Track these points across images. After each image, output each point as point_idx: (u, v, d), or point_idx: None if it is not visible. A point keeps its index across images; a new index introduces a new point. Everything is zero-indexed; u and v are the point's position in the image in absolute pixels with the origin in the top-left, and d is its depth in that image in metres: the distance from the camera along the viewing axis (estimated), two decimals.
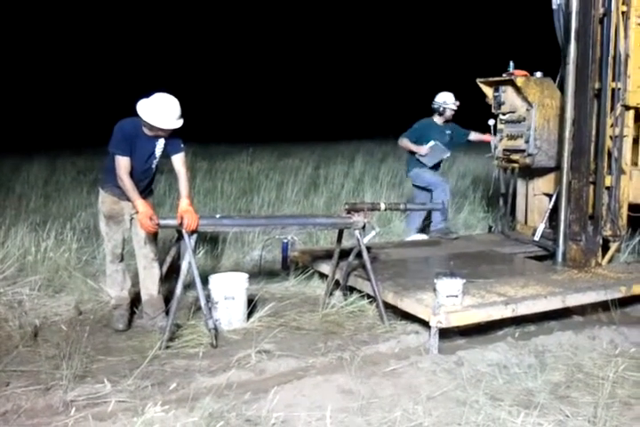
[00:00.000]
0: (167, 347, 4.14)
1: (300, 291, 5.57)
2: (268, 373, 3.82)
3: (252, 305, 4.87)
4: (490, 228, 7.55)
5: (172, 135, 4.45)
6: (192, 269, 4.27)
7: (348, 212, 4.91)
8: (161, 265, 4.76)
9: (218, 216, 4.78)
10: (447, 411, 3.27)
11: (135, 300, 4.84)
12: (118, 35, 27.18)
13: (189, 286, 4.86)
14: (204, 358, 3.99)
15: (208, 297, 4.53)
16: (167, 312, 4.50)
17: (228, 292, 4.66)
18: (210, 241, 6.49)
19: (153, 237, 4.59)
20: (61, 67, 24.71)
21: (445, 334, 4.28)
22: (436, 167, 7.27)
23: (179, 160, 4.51)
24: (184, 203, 4.36)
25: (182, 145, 4.53)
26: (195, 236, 4.34)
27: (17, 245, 5.76)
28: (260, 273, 5.92)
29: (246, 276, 4.87)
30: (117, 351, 4.15)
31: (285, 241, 6.16)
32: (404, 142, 7.17)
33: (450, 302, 4.26)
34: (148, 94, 4.40)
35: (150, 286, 4.64)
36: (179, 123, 4.37)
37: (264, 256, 6.36)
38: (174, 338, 4.28)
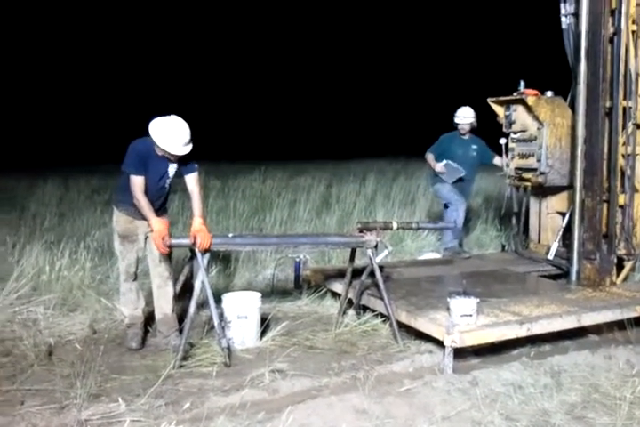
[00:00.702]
0: (181, 366, 4.15)
1: (313, 310, 5.56)
2: (281, 392, 3.82)
3: (265, 324, 4.86)
4: (503, 246, 7.54)
5: (186, 155, 4.49)
6: (205, 288, 4.28)
7: (361, 231, 4.92)
8: (174, 284, 4.78)
9: (230, 235, 4.80)
10: None
11: (149, 318, 4.85)
12: (130, 54, 27.51)
13: (203, 304, 4.87)
14: (217, 377, 3.98)
15: (221, 316, 4.54)
16: (181, 331, 4.52)
17: (241, 311, 4.67)
18: (222, 260, 6.50)
19: (167, 256, 4.61)
20: (74, 87, 25.00)
21: (459, 353, 4.25)
22: (460, 184, 7.23)
23: (192, 180, 4.56)
24: (197, 222, 4.39)
25: (196, 165, 4.59)
26: (208, 255, 4.36)
27: (31, 264, 5.79)
28: (273, 292, 5.93)
29: (259, 295, 4.88)
30: (131, 370, 4.16)
31: (298, 260, 6.17)
32: (428, 157, 7.24)
33: (464, 321, 4.24)
34: (160, 113, 4.46)
35: (164, 305, 4.66)
36: (186, 149, 4.40)
37: (276, 275, 6.36)
38: (188, 357, 4.28)
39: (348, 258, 5.13)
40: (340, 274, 5.48)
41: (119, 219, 4.61)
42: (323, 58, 31.81)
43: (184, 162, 4.53)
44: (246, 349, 4.55)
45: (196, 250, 4.30)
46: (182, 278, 4.81)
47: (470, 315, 4.27)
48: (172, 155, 4.39)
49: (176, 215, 8.54)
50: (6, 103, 22.40)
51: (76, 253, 6.20)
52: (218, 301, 4.57)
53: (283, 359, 4.23)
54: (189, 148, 4.41)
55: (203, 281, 4.27)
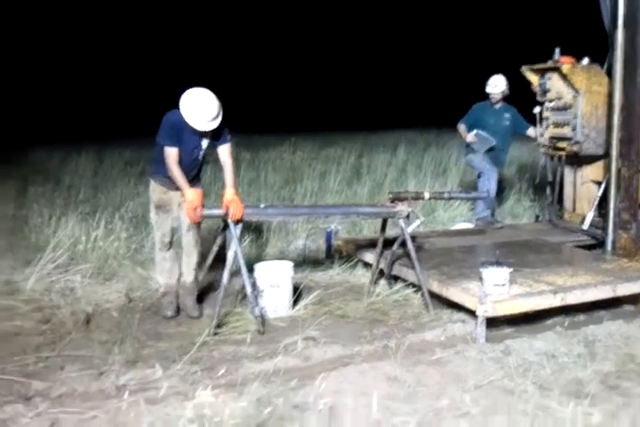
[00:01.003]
0: (215, 333, 4.21)
1: (345, 279, 5.58)
2: (314, 359, 3.86)
3: (297, 293, 4.91)
4: (537, 217, 7.45)
5: (219, 126, 4.48)
6: (238, 258, 4.32)
7: (392, 201, 4.90)
8: (207, 254, 4.85)
9: (262, 206, 4.82)
10: (495, 400, 3.26)
11: None
12: (163, 25, 27.44)
13: (235, 274, 4.92)
14: (250, 344, 4.05)
15: (254, 285, 4.58)
16: (199, 299, 4.77)
17: (274, 280, 4.71)
18: (255, 230, 6.55)
19: (196, 226, 4.68)
20: (108, 59, 25.08)
21: (492, 323, 4.24)
22: (492, 153, 7.12)
23: (225, 151, 4.57)
24: (229, 193, 4.42)
25: (229, 136, 4.59)
26: (240, 225, 4.39)
27: (68, 235, 5.90)
28: (305, 262, 5.96)
29: (291, 264, 4.92)
30: (167, 337, 4.24)
31: (329, 230, 6.19)
32: (460, 127, 7.16)
33: (497, 291, 4.22)
34: (192, 85, 4.45)
35: (187, 271, 4.78)
36: (211, 125, 4.38)
37: (308, 245, 6.40)
38: (222, 325, 4.35)
39: (380, 228, 5.13)
40: (371, 244, 5.48)
41: (154, 189, 4.66)
42: (353, 26, 31.35)
43: (217, 133, 4.53)
44: (279, 317, 4.60)
45: (229, 220, 4.33)
46: (215, 248, 4.86)
47: (503, 285, 4.26)
48: (198, 130, 4.40)
49: (208, 186, 8.58)
50: (41, 77, 22.64)
51: (111, 224, 6.31)
52: (250, 270, 4.62)
53: (315, 328, 4.27)
54: (215, 124, 4.38)
55: (235, 251, 4.31)
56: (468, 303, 4.25)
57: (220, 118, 4.39)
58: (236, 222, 4.35)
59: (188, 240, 4.71)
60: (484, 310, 4.07)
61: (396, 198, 4.89)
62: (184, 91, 4.42)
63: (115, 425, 2.96)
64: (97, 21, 25.89)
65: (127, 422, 2.98)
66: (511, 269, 4.32)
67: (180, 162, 4.42)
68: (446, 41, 30.82)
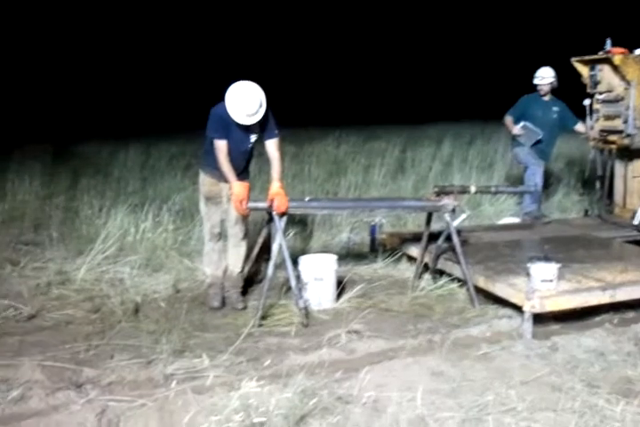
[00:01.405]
0: (260, 325, 4.26)
1: (389, 273, 5.57)
2: (358, 352, 3.87)
3: (340, 286, 4.92)
4: (586, 211, 7.30)
5: (267, 120, 4.51)
6: (283, 251, 4.36)
7: (438, 195, 4.86)
8: (252, 246, 4.90)
9: (307, 199, 4.85)
10: (541, 396, 3.21)
11: None
12: (209, 19, 27.68)
13: (280, 266, 4.96)
14: (295, 336, 4.09)
15: (298, 278, 4.62)
16: (244, 290, 4.83)
17: (318, 273, 4.73)
18: (299, 223, 6.58)
19: (243, 218, 4.73)
20: (155, 55, 25.43)
21: (539, 318, 4.18)
22: (539, 146, 7.00)
23: (272, 145, 4.60)
24: (275, 186, 4.45)
25: (276, 131, 4.61)
26: (285, 218, 4.42)
27: (117, 226, 6.02)
28: (349, 255, 5.97)
29: (335, 257, 4.93)
30: (213, 328, 4.31)
31: (373, 224, 6.18)
32: (506, 120, 7.06)
33: (544, 286, 4.16)
34: (239, 79, 4.48)
35: (233, 263, 4.83)
36: (251, 119, 4.37)
37: (352, 239, 6.40)
38: (266, 317, 4.40)
39: (425, 222, 5.09)
40: (415, 238, 5.46)
41: (204, 181, 4.73)
42: (398, 18, 31.11)
43: (265, 127, 4.56)
44: (323, 310, 4.63)
45: (274, 213, 4.37)
46: (260, 241, 4.90)
47: (551, 280, 4.19)
48: (239, 124, 4.42)
49: (252, 179, 8.65)
50: (93, 72, 23.12)
51: (158, 216, 6.42)
52: (295, 263, 4.65)
53: (359, 321, 4.27)
54: (255, 118, 4.37)
55: (280, 243, 4.34)
56: (515, 299, 4.20)
57: (260, 113, 4.38)
58: (281, 215, 4.38)
59: (236, 232, 4.76)
60: (532, 306, 4.01)
61: (442, 192, 4.86)
62: (229, 84, 4.45)
63: (162, 413, 3.01)
64: (149, 16, 26.26)
65: (174, 410, 3.04)
66: (559, 265, 4.25)
67: (229, 154, 4.47)
68: (494, 32, 30.31)
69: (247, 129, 4.49)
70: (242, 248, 4.82)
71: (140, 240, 5.86)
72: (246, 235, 4.82)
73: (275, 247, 4.37)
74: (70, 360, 3.71)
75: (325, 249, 5.99)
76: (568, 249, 5.39)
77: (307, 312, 4.38)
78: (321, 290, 4.72)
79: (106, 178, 9.85)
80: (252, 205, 4.43)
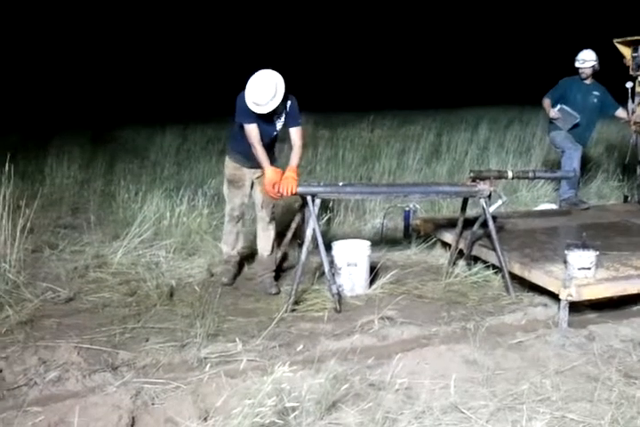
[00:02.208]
0: (293, 310, 4.28)
1: (422, 259, 5.54)
2: (390, 339, 3.86)
3: (374, 272, 4.90)
4: (625, 198, 7.14)
5: (291, 108, 4.53)
6: (316, 236, 4.35)
7: (474, 180, 4.78)
8: (284, 230, 4.94)
9: (341, 184, 4.82)
10: (577, 386, 3.17)
11: (244, 259, 5.22)
12: (243, 7, 27.63)
13: (313, 251, 4.96)
14: (327, 322, 4.08)
15: (331, 263, 4.61)
16: (276, 274, 4.87)
17: (351, 258, 4.72)
18: (332, 208, 6.56)
19: (269, 202, 4.77)
20: (189, 42, 25.52)
21: (575, 307, 4.11)
22: (577, 130, 6.85)
23: (294, 133, 4.61)
24: (288, 171, 4.44)
25: (300, 120, 4.61)
26: (318, 202, 4.41)
27: (153, 210, 6.08)
28: (382, 241, 5.94)
29: (368, 243, 4.91)
30: (246, 312, 4.34)
31: (407, 209, 6.13)
32: (545, 102, 6.91)
33: (582, 274, 4.08)
34: (273, 65, 4.47)
35: (263, 247, 4.89)
36: (263, 109, 4.36)
37: (385, 224, 6.36)
38: (299, 302, 4.41)
39: (460, 208, 5.03)
40: (450, 224, 5.40)
41: (228, 165, 4.82)
42: (433, 1, 30.60)
43: (290, 114, 4.57)
44: (356, 295, 4.62)
45: (308, 198, 4.36)
46: (294, 226, 4.91)
47: (589, 268, 4.11)
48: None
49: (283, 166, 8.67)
50: (132, 58, 23.35)
51: (193, 200, 6.47)
52: (328, 248, 4.64)
53: (392, 307, 4.25)
54: (269, 108, 4.35)
55: (314, 228, 4.34)
56: (552, 287, 4.13)
57: (274, 103, 4.35)
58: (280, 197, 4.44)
59: (262, 217, 4.83)
60: (568, 294, 3.94)
61: (478, 177, 4.78)
62: (258, 69, 4.45)
63: (196, 396, 3.05)
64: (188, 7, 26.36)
65: (208, 393, 3.07)
66: (597, 252, 4.17)
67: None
68: (535, 14, 29.65)
69: (270, 116, 4.50)
70: (271, 231, 4.87)
71: (175, 224, 5.92)
72: (273, 219, 4.88)
73: (308, 232, 4.36)
74: (106, 343, 3.77)
75: (358, 235, 5.97)
76: (606, 236, 5.28)
77: (339, 298, 4.38)
78: (354, 276, 4.71)
79: (142, 162, 9.97)
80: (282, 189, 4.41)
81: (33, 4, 22.34)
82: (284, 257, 5.26)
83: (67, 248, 5.52)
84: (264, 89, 4.31)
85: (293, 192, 4.36)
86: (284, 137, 4.76)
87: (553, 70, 7.78)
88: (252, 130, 4.45)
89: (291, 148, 4.65)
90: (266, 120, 4.51)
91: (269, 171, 4.40)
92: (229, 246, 5.00)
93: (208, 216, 6.10)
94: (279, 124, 4.63)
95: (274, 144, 4.81)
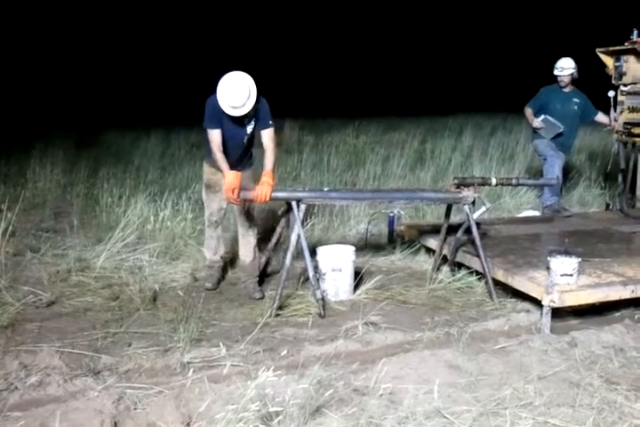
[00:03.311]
0: (277, 315, 4.27)
1: (407, 265, 5.55)
2: (374, 344, 3.86)
3: (358, 278, 4.90)
4: (607, 205, 7.22)
5: (261, 111, 4.51)
6: (301, 241, 4.35)
7: (458, 186, 4.81)
8: (256, 234, 4.93)
9: (326, 189, 4.83)
10: (559, 392, 3.18)
11: (230, 263, 5.24)
12: (229, 9, 27.64)
13: (298, 257, 4.96)
14: (312, 327, 4.06)
15: (316, 268, 4.61)
16: (260, 279, 4.87)
17: (336, 264, 4.72)
18: (317, 214, 6.57)
19: (248, 208, 4.78)
20: (171, 46, 25.48)
21: (558, 313, 4.14)
22: (559, 139, 6.92)
23: (266, 135, 4.57)
24: (264, 176, 4.42)
25: (270, 122, 4.57)
26: (303, 207, 4.41)
27: (137, 214, 6.05)
28: (366, 246, 5.95)
29: (353, 248, 4.91)
30: (230, 317, 4.32)
31: (392, 215, 6.14)
32: (526, 111, 6.99)
33: (564, 280, 4.12)
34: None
35: (244, 253, 4.88)
36: (238, 111, 4.35)
37: (370, 230, 6.36)
38: (283, 307, 4.40)
39: (444, 214, 5.06)
40: (434, 230, 5.42)
41: (205, 170, 4.83)
42: (417, 9, 30.80)
43: (259, 117, 4.55)
44: (340, 301, 4.62)
45: (293, 203, 4.36)
46: (279, 230, 4.91)
47: (571, 275, 4.14)
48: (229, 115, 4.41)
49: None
50: (113, 62, 23.24)
51: (177, 205, 6.45)
52: (312, 253, 4.64)
53: (376, 313, 4.26)
54: (243, 110, 4.35)
55: (298, 233, 4.34)
56: (534, 293, 4.16)
57: (249, 105, 4.34)
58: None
59: (241, 222, 4.82)
60: (551, 300, 3.97)
61: (462, 184, 4.80)
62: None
63: (179, 401, 3.02)
64: (174, 8, 26.32)
65: (191, 398, 3.05)
66: (580, 259, 4.20)
67: (225, 145, 4.49)
68: (516, 23, 29.94)
69: (241, 119, 4.49)
70: (250, 238, 4.85)
71: (159, 229, 5.89)
72: (254, 224, 4.87)
73: (293, 237, 4.36)
74: (88, 347, 3.74)
75: (343, 240, 5.99)
76: (589, 243, 5.33)
77: (324, 303, 4.38)
78: (338, 281, 4.71)
79: (126, 166, 9.92)
80: (242, 194, 4.39)
81: (17, 9, 22.20)
82: (268, 262, 5.24)
83: (49, 252, 5.47)
84: (237, 91, 4.29)
85: (267, 199, 4.34)
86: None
87: (537, 78, 7.85)
88: (215, 135, 4.45)
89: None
90: (237, 124, 4.51)
91: (229, 175, 4.33)
92: (211, 252, 4.99)
93: (192, 221, 6.06)
94: (250, 128, 4.61)
95: (249, 147, 4.78)
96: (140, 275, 4.99)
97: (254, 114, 4.51)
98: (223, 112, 4.38)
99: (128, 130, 13.34)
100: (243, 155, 4.73)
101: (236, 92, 4.28)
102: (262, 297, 4.71)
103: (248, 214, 4.81)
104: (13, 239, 5.47)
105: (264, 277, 5.11)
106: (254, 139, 4.74)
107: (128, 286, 4.71)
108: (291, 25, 28.48)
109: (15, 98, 17.97)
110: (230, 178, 4.33)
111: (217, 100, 4.37)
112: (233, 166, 4.46)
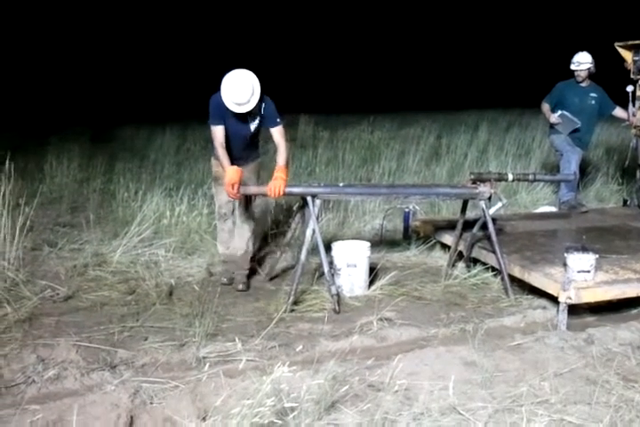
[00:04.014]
0: (292, 310, 4.28)
1: (422, 261, 5.54)
2: (389, 340, 3.87)
3: (373, 273, 4.90)
4: (625, 201, 7.14)
5: (266, 109, 4.55)
6: (315, 236, 4.35)
7: (474, 182, 4.79)
8: (253, 227, 4.95)
9: (341, 185, 4.82)
10: (575, 389, 3.16)
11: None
12: (238, 9, 27.64)
13: (313, 252, 4.96)
14: (327, 322, 4.08)
15: (331, 264, 4.61)
16: (250, 273, 4.93)
17: (351, 259, 4.72)
18: (332, 209, 6.56)
19: (247, 201, 4.80)
20: (186, 42, 25.52)
21: (574, 310, 4.11)
22: (577, 134, 6.84)
23: (276, 133, 4.62)
24: (277, 171, 4.44)
25: (278, 119, 4.60)
26: (318, 203, 4.41)
27: (153, 209, 6.07)
28: (382, 242, 5.93)
29: (368, 244, 4.90)
30: (245, 312, 4.34)
31: (407, 211, 6.12)
32: (543, 107, 6.92)
33: (581, 277, 4.08)
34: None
35: (237, 245, 4.90)
36: (242, 108, 4.39)
37: (385, 226, 6.35)
38: (298, 302, 4.41)
39: (460, 210, 5.04)
40: (450, 226, 5.40)
41: (213, 163, 4.88)
42: (434, 4, 30.61)
43: (265, 116, 4.59)
44: (355, 296, 4.62)
45: (308, 199, 4.36)
46: (293, 226, 4.91)
47: (588, 271, 4.11)
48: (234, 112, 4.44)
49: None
50: (130, 58, 23.35)
51: (193, 200, 6.48)
52: (328, 249, 4.64)
53: (391, 308, 4.25)
54: (248, 107, 4.39)
55: (313, 229, 4.34)
56: (551, 289, 4.13)
57: (252, 103, 4.39)
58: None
59: (240, 214, 4.86)
60: (567, 297, 3.94)
61: (478, 179, 4.78)
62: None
63: (195, 396, 3.03)
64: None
65: (207, 393, 3.06)
66: (597, 256, 4.17)
67: (229, 141, 4.54)
68: (534, 17, 29.68)
69: (244, 116, 4.53)
70: (243, 230, 4.87)
71: (174, 223, 5.93)
72: (250, 218, 4.89)
73: (308, 233, 4.36)
74: (105, 341, 3.77)
75: (358, 236, 5.96)
76: (606, 239, 5.29)
77: (339, 299, 4.38)
78: (353, 277, 4.71)
79: (142, 161, 9.97)
80: (242, 188, 4.41)
81: (33, 4, 22.33)
82: (284, 257, 5.23)
83: (66, 246, 5.51)
84: (241, 88, 4.33)
85: (281, 193, 4.36)
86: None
87: (553, 73, 7.78)
88: (217, 132, 4.51)
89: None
90: (240, 121, 4.55)
91: (229, 171, 4.37)
92: (223, 245, 5.00)
93: (208, 216, 6.08)
94: (253, 126, 4.66)
95: (253, 143, 4.83)
96: (156, 269, 5.03)
97: (258, 112, 4.56)
98: (227, 109, 4.43)
99: (143, 125, 13.38)
100: (247, 150, 4.78)
101: (240, 89, 4.33)
102: (244, 289, 4.78)
103: (246, 207, 4.83)
104: (31, 234, 5.51)
105: (280, 272, 5.12)
106: (259, 135, 4.80)
107: (144, 280, 4.74)
108: (307, 21, 28.42)
109: (31, 93, 18.11)
110: (230, 173, 4.37)
111: (221, 98, 4.42)
112: (238, 160, 4.55)
